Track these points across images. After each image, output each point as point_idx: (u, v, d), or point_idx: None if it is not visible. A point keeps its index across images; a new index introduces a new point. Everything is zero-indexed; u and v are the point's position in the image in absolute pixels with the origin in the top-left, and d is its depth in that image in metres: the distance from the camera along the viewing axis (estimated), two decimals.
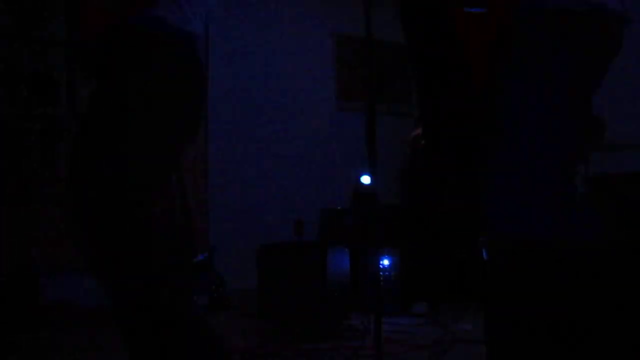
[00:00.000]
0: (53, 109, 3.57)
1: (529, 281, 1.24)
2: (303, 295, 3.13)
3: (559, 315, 1.17)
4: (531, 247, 1.30)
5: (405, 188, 4.65)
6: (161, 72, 1.30)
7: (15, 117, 3.44)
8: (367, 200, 3.79)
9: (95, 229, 1.32)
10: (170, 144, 1.34)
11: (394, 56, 5.10)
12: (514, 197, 2.09)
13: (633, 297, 1.12)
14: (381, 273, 3.23)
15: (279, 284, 3.24)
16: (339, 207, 4.03)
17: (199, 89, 1.48)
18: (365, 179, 3.84)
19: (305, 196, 4.43)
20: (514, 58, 2.04)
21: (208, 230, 4.04)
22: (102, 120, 1.25)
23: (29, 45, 3.49)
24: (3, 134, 3.40)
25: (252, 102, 4.42)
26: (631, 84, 3.80)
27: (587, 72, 1.99)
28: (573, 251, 1.20)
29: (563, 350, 1.17)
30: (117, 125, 1.23)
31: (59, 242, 3.51)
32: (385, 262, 3.27)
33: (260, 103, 4.46)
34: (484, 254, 1.41)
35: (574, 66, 1.96)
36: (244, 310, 3.45)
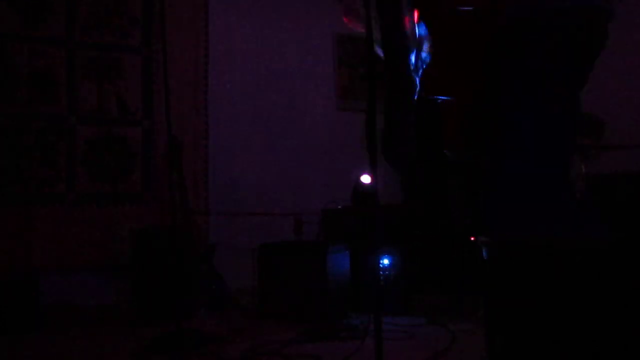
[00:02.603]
0: (53, 109, 3.56)
1: (528, 281, 1.24)
2: (303, 295, 3.13)
3: (558, 314, 1.17)
4: (531, 247, 1.30)
5: (405, 188, 4.66)
6: None
7: (15, 117, 3.44)
8: (367, 200, 3.80)
9: None
10: None
11: None
12: (513, 197, 2.09)
13: (633, 297, 1.12)
14: (381, 273, 3.23)
15: (279, 284, 3.24)
16: (339, 207, 4.04)
17: None
18: (365, 179, 3.84)
19: (305, 196, 4.42)
20: (504, 59, 2.05)
21: (208, 230, 4.04)
22: None
23: (29, 45, 3.49)
24: (3, 133, 3.40)
25: (252, 101, 4.42)
26: (631, 84, 3.80)
27: (576, 69, 1.99)
28: (573, 251, 1.20)
29: (563, 349, 1.17)
30: None
31: (59, 242, 3.51)
32: (385, 262, 3.27)
33: (261, 103, 4.46)
34: (484, 254, 1.41)
35: (564, 64, 1.97)
36: (244, 310, 3.45)
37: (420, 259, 3.82)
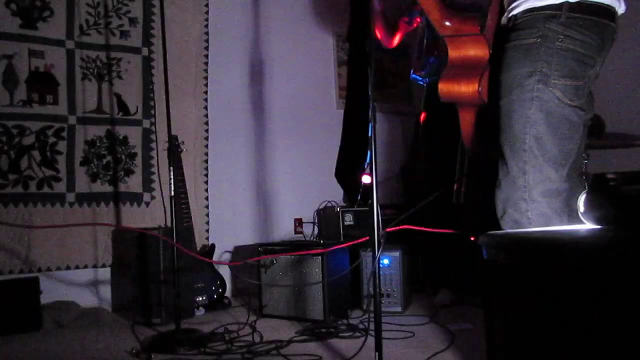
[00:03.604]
0: (53, 109, 3.56)
1: (528, 281, 1.24)
2: (303, 295, 3.13)
3: (558, 314, 1.17)
4: (531, 247, 1.30)
5: (405, 187, 4.66)
6: None
7: (14, 117, 3.43)
8: (367, 200, 3.79)
9: None
10: None
11: (394, 56, 5.10)
12: (515, 197, 2.09)
13: (633, 297, 1.12)
14: (381, 273, 3.23)
15: (279, 284, 3.24)
16: (338, 207, 4.03)
17: None
18: (365, 179, 3.83)
19: (305, 196, 4.43)
20: (510, 57, 2.06)
21: (208, 230, 4.04)
22: None
23: (29, 45, 3.49)
24: (2, 133, 3.40)
25: (252, 101, 4.42)
26: (631, 83, 3.80)
27: (584, 66, 2.00)
28: (573, 251, 1.20)
29: (563, 349, 1.17)
30: None
31: (59, 242, 3.51)
32: (385, 262, 3.27)
33: (260, 102, 4.46)
34: (484, 254, 1.41)
35: (572, 61, 1.97)
36: (244, 310, 3.45)
37: (421, 259, 3.82)
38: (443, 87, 2.22)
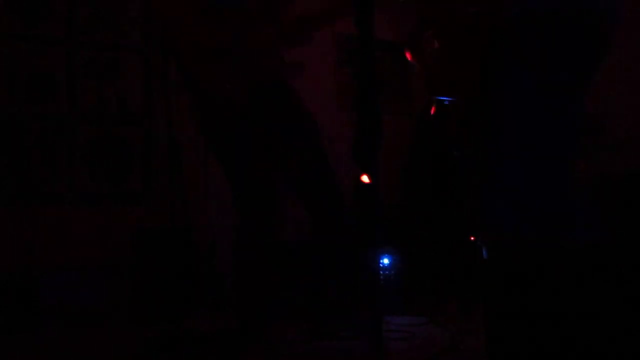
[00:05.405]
0: (53, 109, 3.56)
1: (528, 281, 1.24)
2: (303, 295, 3.13)
3: (558, 314, 1.17)
4: (531, 247, 1.30)
5: (405, 187, 4.66)
6: None
7: (14, 116, 3.43)
8: (367, 200, 3.79)
9: None
10: None
11: (393, 56, 5.10)
12: (514, 197, 2.09)
13: (632, 297, 1.12)
14: (381, 273, 3.23)
15: (278, 284, 3.24)
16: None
17: None
18: (365, 179, 3.84)
19: None
20: (506, 60, 2.05)
21: (208, 230, 4.03)
22: None
23: (29, 44, 3.49)
24: (3, 133, 3.40)
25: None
26: (631, 83, 3.80)
27: (580, 72, 2.00)
28: (573, 251, 1.20)
29: (563, 349, 1.17)
30: None
31: (59, 242, 3.51)
32: (385, 261, 3.27)
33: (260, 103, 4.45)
34: (484, 254, 1.41)
35: (567, 66, 1.97)
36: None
37: (420, 259, 3.83)
38: None
